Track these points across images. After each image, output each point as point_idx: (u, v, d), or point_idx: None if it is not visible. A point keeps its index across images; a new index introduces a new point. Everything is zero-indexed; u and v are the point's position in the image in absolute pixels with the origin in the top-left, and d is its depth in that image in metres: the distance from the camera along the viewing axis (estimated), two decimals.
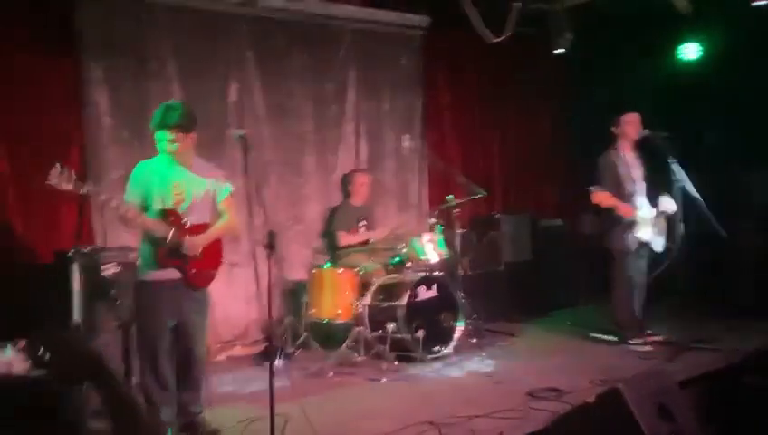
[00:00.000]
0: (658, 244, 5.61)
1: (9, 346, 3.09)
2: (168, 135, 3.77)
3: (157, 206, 3.79)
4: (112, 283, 4.87)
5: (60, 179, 3.40)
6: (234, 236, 4.89)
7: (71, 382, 1.46)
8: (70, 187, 3.42)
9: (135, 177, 3.84)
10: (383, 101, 7.25)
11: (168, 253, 3.76)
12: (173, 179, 3.84)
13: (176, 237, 3.74)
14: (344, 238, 6.32)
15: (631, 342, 5.49)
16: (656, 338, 5.57)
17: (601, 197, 5.25)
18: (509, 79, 8.04)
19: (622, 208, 5.42)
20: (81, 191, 3.52)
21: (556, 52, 6.12)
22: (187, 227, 3.81)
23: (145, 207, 3.80)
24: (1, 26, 5.16)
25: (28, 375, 2.51)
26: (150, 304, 3.80)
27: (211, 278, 4.00)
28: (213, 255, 3.99)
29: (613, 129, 5.66)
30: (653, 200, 5.61)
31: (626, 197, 5.49)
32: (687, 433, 3.52)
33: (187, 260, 3.81)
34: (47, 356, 1.40)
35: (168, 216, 3.78)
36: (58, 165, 3.42)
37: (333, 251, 6.44)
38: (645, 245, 5.55)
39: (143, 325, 3.85)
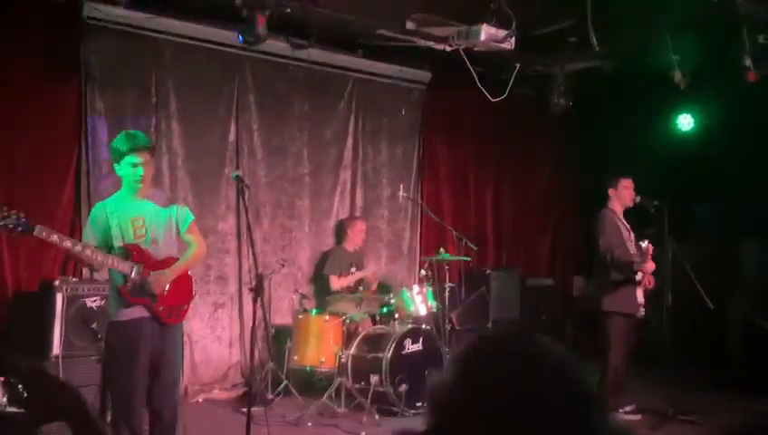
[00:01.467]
0: (642, 310, 5.58)
1: None
2: (138, 158, 3.67)
3: (117, 243, 3.66)
4: (95, 315, 4.83)
5: (6, 221, 3.33)
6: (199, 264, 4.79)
7: (46, 419, 1.43)
8: (11, 228, 3.35)
9: (93, 217, 3.74)
10: (381, 150, 7.32)
11: (132, 291, 3.62)
12: (132, 214, 3.73)
13: (139, 274, 3.62)
14: (336, 282, 6.30)
15: (621, 411, 5.38)
16: (633, 407, 5.49)
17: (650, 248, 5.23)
18: (506, 137, 8.14)
19: (649, 266, 5.34)
20: (35, 233, 3.40)
21: (555, 112, 6.18)
22: (150, 263, 3.69)
23: (107, 248, 3.67)
24: (8, 51, 5.21)
25: (3, 411, 2.45)
26: (123, 346, 3.64)
27: (183, 314, 3.86)
28: (182, 289, 3.84)
29: (610, 190, 5.64)
30: None
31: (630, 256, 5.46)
32: None
33: (154, 298, 3.67)
34: (24, 393, 1.37)
35: (130, 252, 3.66)
36: (5, 208, 3.35)
37: (322, 296, 6.40)
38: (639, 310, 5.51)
39: (116, 368, 3.69)
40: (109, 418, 4.05)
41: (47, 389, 1.44)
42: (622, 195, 5.60)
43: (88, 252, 3.55)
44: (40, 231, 3.45)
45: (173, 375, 3.83)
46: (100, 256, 3.59)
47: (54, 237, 3.51)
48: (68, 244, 3.54)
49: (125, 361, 3.64)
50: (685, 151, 7.39)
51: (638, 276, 5.36)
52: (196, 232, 4.01)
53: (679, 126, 7.67)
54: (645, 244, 5.33)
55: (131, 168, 3.71)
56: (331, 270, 6.36)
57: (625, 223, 5.60)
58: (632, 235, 5.60)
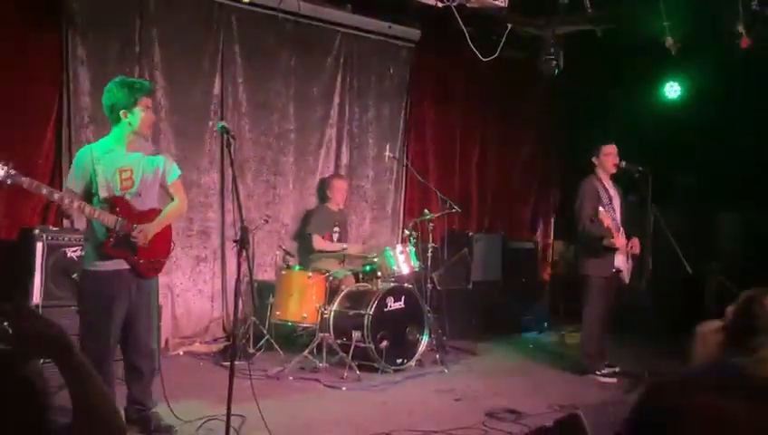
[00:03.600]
0: (627, 275, 5.66)
1: None
2: (149, 102, 3.68)
3: (102, 193, 3.60)
4: (76, 265, 4.78)
5: None
6: (181, 217, 4.76)
7: (34, 355, 1.42)
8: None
9: (78, 162, 3.67)
10: (368, 108, 7.25)
11: (114, 243, 3.59)
12: (120, 164, 3.67)
13: (123, 227, 3.58)
14: (319, 242, 6.28)
15: (599, 373, 5.49)
16: (614, 369, 5.60)
17: (606, 219, 5.27)
18: (493, 100, 8.11)
19: (616, 236, 5.42)
20: (24, 185, 3.40)
21: (543, 74, 6.15)
22: (134, 215, 3.65)
23: (90, 195, 3.62)
24: None
25: None
26: (96, 296, 3.62)
27: (161, 266, 3.84)
28: (162, 242, 3.81)
29: (593, 158, 5.70)
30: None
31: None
32: None
33: (135, 250, 3.64)
34: (10, 330, 1.35)
35: (115, 204, 3.61)
36: None
37: (305, 254, 6.39)
38: (618, 274, 5.60)
39: (89, 318, 3.64)
40: None
41: (35, 328, 1.42)
42: (604, 162, 5.65)
43: (76, 205, 3.53)
44: (30, 183, 3.44)
45: (149, 328, 3.81)
46: (87, 208, 3.55)
47: (44, 190, 3.53)
48: (56, 196, 3.54)
49: (99, 311, 3.61)
50: (670, 120, 7.41)
51: (615, 244, 5.44)
52: (181, 187, 3.99)
53: (666, 94, 7.69)
54: (601, 210, 5.35)
55: (143, 113, 3.66)
56: (314, 229, 6.34)
57: (609, 190, 5.63)
58: (616, 201, 5.65)
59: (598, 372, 5.49)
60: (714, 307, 6.89)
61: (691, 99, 7.49)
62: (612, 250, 5.48)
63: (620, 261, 5.56)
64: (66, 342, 1.41)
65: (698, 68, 7.03)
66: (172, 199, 3.93)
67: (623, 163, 5.62)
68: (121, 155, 3.70)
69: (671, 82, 7.62)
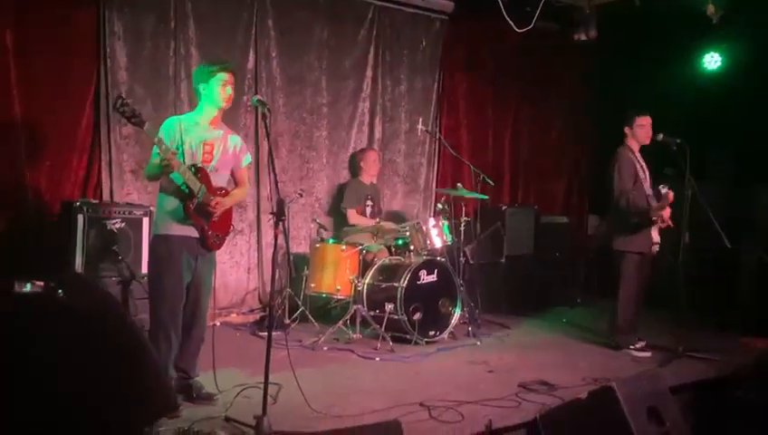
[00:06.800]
0: (656, 247, 5.60)
1: (28, 284, 3.09)
2: (229, 76, 3.77)
3: (188, 161, 3.74)
4: (116, 238, 4.91)
5: (124, 109, 3.42)
6: (239, 203, 4.91)
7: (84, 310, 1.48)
8: (128, 116, 3.44)
9: (167, 129, 3.79)
10: (400, 82, 7.23)
11: (195, 209, 3.73)
12: (204, 138, 3.83)
13: (204, 194, 3.72)
14: (353, 217, 6.34)
15: (632, 347, 5.46)
16: (643, 343, 5.57)
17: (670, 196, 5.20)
18: (526, 73, 8.01)
19: (666, 212, 5.33)
20: (144, 128, 3.51)
21: (579, 45, 6.01)
22: (212, 187, 3.79)
23: None
24: None
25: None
26: (167, 259, 3.74)
27: (223, 242, 4.00)
28: (227, 219, 4.00)
29: (626, 128, 5.57)
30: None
31: (646, 197, 5.45)
32: None
33: (209, 220, 3.79)
34: (61, 293, 1.42)
35: (198, 172, 3.74)
36: (122, 97, 3.47)
37: (339, 227, 6.45)
38: (653, 248, 5.53)
39: (160, 279, 3.76)
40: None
41: (88, 294, 1.48)
42: (637, 133, 5.51)
43: (176, 161, 3.59)
44: (150, 128, 3.54)
45: (206, 297, 3.95)
46: (183, 167, 3.65)
47: (156, 138, 3.59)
48: (164, 145, 3.60)
49: (170, 273, 3.74)
50: (709, 92, 7.24)
51: (664, 216, 5.36)
52: (247, 175, 4.12)
53: (706, 65, 7.51)
54: (665, 190, 5.27)
55: (221, 86, 3.77)
56: (348, 204, 6.39)
57: (641, 162, 5.54)
58: (647, 174, 5.56)
59: (631, 347, 5.46)
60: (750, 282, 6.80)
61: (732, 71, 7.29)
62: (649, 225, 5.41)
63: (657, 235, 5.50)
64: (120, 310, 1.47)
65: (740, 38, 6.84)
66: (237, 184, 4.07)
67: (660, 136, 5.49)
68: (205, 129, 3.85)
69: (711, 53, 7.42)
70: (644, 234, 5.42)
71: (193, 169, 3.72)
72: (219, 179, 3.91)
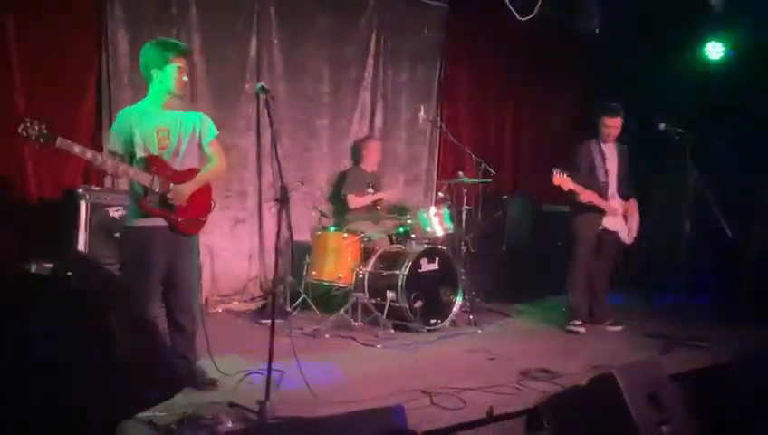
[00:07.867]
0: (626, 236, 5.77)
1: (34, 265, 3.09)
2: (182, 63, 3.67)
3: (140, 153, 3.65)
4: (118, 225, 4.91)
5: (29, 132, 3.29)
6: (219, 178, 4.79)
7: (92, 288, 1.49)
8: (34, 139, 3.30)
9: (118, 124, 3.71)
10: (402, 70, 7.21)
11: (152, 202, 3.64)
12: (156, 124, 3.70)
13: (160, 186, 3.63)
14: (354, 201, 6.34)
15: (570, 323, 5.64)
16: (616, 328, 5.71)
17: (561, 180, 5.39)
18: (528, 62, 7.98)
19: (585, 194, 5.54)
20: (55, 144, 3.35)
21: (581, 33, 6.05)
22: (171, 175, 3.69)
23: (130, 155, 3.67)
24: None
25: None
26: (135, 251, 3.68)
27: (200, 225, 3.89)
28: (201, 201, 3.86)
29: (595, 120, 5.74)
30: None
31: (598, 185, 5.65)
32: (676, 424, 3.56)
33: (173, 209, 3.70)
34: (69, 274, 1.43)
35: (152, 163, 3.65)
36: (27, 120, 3.30)
37: (340, 215, 6.46)
38: (611, 234, 5.70)
39: (130, 274, 3.70)
40: None
41: (95, 275, 1.49)
42: (600, 130, 5.74)
43: (109, 162, 3.54)
44: (62, 142, 3.40)
45: (189, 285, 3.87)
46: (122, 167, 3.58)
47: (77, 149, 3.46)
48: (89, 155, 3.50)
49: (137, 265, 3.67)
50: (711, 81, 7.23)
51: (600, 205, 5.61)
52: (218, 147, 3.98)
53: (708, 54, 7.49)
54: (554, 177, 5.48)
55: (176, 73, 3.68)
56: (348, 190, 6.39)
57: (605, 153, 5.74)
58: (612, 163, 5.76)
59: (569, 323, 5.66)
60: (752, 272, 6.81)
61: (734, 60, 7.28)
62: (597, 209, 5.61)
63: (612, 222, 5.67)
64: (128, 289, 1.48)
65: (742, 28, 6.81)
66: (209, 160, 3.95)
67: (662, 125, 5.51)
68: (158, 114, 3.73)
69: (714, 42, 7.41)
70: (592, 217, 5.66)
71: (143, 162, 3.64)
72: (188, 160, 3.80)
